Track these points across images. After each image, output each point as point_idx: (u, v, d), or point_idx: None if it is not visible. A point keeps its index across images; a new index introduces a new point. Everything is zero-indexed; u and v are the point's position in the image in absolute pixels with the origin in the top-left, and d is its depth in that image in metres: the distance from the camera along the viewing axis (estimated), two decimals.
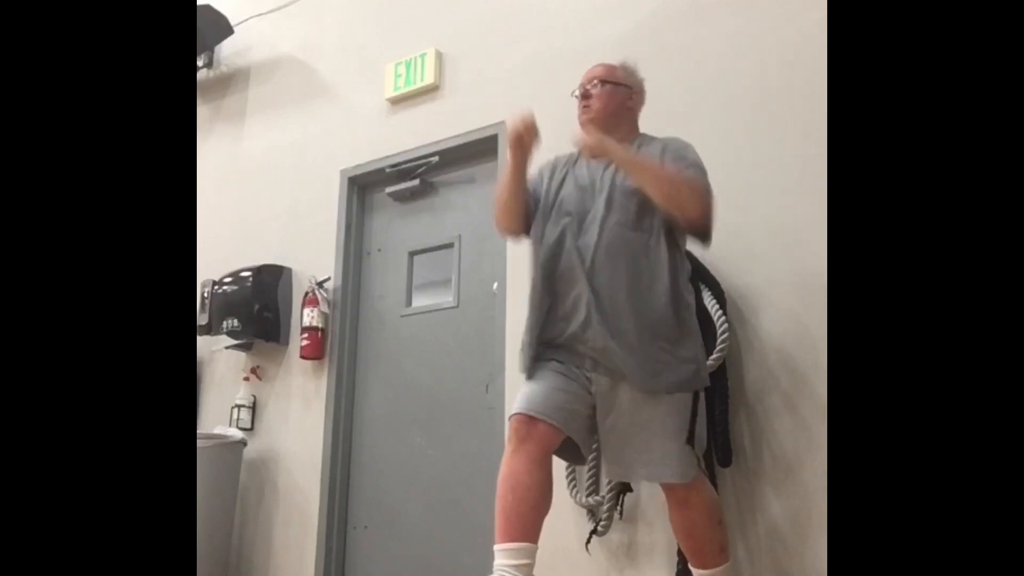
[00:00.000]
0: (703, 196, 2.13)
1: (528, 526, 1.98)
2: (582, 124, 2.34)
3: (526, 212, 2.28)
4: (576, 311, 2.12)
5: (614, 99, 2.34)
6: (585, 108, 2.34)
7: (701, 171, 2.18)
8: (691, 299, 2.21)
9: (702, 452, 2.15)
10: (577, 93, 2.37)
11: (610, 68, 2.39)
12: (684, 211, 2.11)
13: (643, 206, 2.14)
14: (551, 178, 2.32)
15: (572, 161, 2.34)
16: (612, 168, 2.22)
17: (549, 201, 2.26)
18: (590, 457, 2.63)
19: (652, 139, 2.34)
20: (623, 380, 2.08)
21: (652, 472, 2.10)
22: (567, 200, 2.23)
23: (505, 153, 2.20)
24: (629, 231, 2.14)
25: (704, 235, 2.17)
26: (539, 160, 2.32)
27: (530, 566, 1.96)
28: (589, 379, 2.12)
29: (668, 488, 2.13)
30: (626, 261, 2.11)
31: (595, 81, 2.34)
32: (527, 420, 2.04)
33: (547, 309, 2.16)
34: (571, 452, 2.19)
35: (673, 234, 2.17)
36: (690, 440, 2.06)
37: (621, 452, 2.12)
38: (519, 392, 2.14)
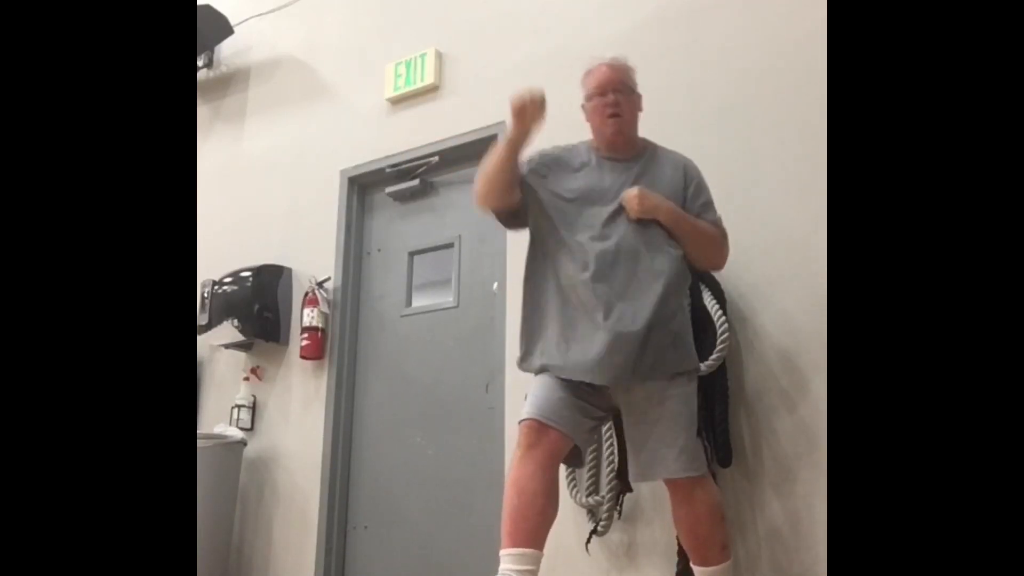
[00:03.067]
0: (726, 250, 2.29)
1: (534, 532, 1.97)
2: (613, 135, 2.23)
3: (511, 190, 2.17)
4: (590, 323, 2.10)
5: (635, 107, 2.28)
6: (615, 117, 2.21)
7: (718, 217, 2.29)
8: (686, 302, 2.23)
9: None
10: (608, 99, 2.22)
11: (626, 71, 2.29)
12: (713, 266, 2.35)
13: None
14: (559, 175, 2.22)
15: (584, 163, 2.24)
16: (626, 176, 2.20)
17: (563, 205, 2.18)
18: (589, 458, 2.63)
19: (664, 153, 2.30)
20: (631, 384, 2.10)
21: (670, 468, 2.07)
22: (582, 204, 2.18)
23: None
24: (641, 235, 2.13)
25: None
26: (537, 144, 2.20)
27: (534, 572, 1.96)
28: (596, 389, 2.11)
29: (674, 484, 2.11)
30: (635, 263, 2.11)
31: (619, 85, 2.23)
32: (538, 426, 2.03)
33: (564, 319, 2.14)
34: (573, 458, 2.20)
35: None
36: (700, 432, 2.08)
37: (640, 453, 2.12)
38: (528, 396, 2.12)
